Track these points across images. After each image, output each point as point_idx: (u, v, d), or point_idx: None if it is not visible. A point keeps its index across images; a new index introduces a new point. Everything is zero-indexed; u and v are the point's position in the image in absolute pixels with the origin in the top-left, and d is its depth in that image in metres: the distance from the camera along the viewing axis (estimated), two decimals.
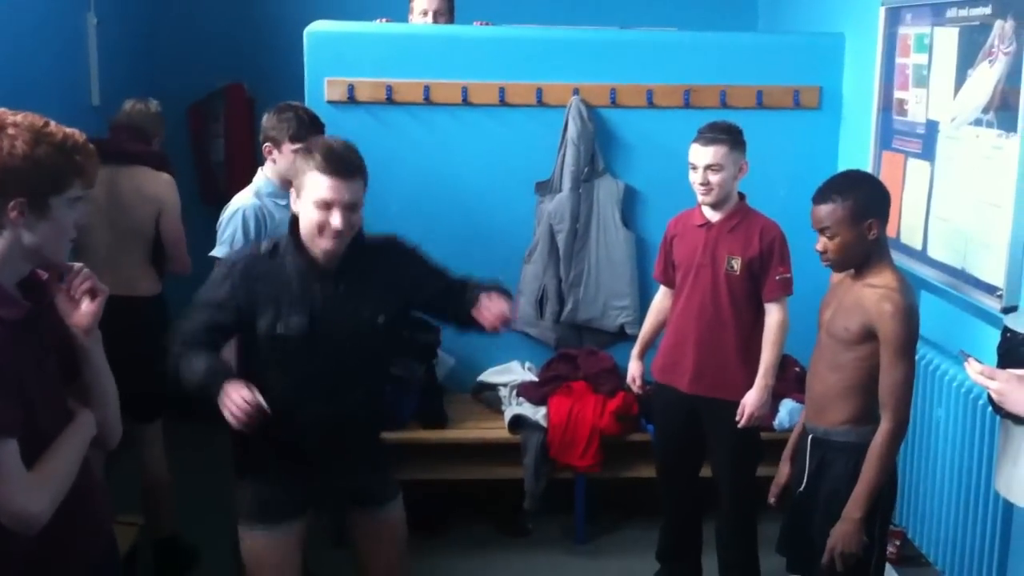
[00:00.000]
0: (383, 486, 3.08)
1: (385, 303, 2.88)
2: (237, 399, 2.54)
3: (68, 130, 2.07)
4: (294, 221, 2.80)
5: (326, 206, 2.70)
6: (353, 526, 3.08)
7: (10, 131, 1.98)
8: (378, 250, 2.95)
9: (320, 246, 2.75)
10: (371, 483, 3.04)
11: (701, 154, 3.63)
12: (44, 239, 2.02)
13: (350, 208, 2.73)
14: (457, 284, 3.05)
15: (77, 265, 2.16)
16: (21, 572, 2.06)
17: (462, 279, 3.07)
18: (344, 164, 2.72)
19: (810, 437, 3.10)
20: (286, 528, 2.91)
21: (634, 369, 4.02)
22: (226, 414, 2.56)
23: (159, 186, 4.01)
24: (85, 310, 2.14)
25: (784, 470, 3.25)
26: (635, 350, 4.06)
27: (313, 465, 2.90)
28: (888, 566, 3.91)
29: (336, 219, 2.70)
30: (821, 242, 2.95)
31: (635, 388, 4.05)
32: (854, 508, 2.90)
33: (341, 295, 2.82)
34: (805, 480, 3.10)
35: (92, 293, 2.15)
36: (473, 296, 2.97)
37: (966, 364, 2.42)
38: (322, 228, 2.72)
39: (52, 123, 2.05)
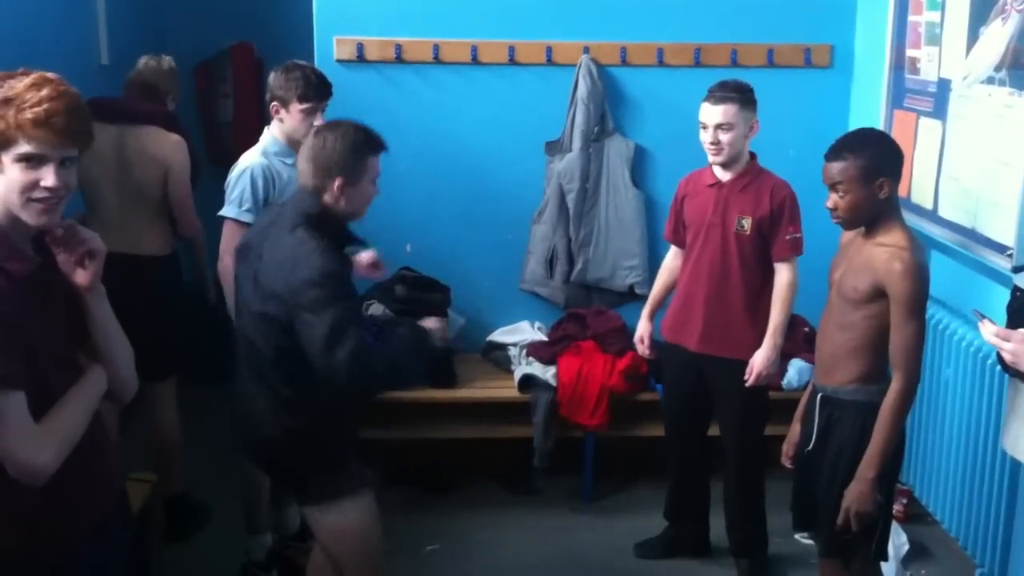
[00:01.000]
0: None
1: None
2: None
3: (38, 86, 2.00)
4: (327, 218, 2.88)
5: (376, 179, 2.99)
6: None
7: None
8: None
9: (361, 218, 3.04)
10: None
11: (711, 113, 3.61)
12: (5, 195, 2.00)
13: None
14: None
15: (66, 223, 2.13)
16: (28, 526, 2.08)
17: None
18: (383, 139, 2.99)
19: (819, 396, 3.10)
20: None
21: (643, 329, 4.02)
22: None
23: (167, 146, 3.98)
24: (85, 270, 2.14)
25: (796, 429, 3.25)
26: (645, 310, 4.05)
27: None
28: (895, 524, 3.94)
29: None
30: (832, 199, 2.94)
31: (642, 348, 4.05)
32: (868, 467, 2.90)
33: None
34: (814, 439, 3.10)
35: (90, 254, 2.15)
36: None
37: (980, 325, 2.41)
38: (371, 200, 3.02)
39: (19, 78, 2.00)
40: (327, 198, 2.84)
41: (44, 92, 2.00)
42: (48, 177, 2.01)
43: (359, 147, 2.87)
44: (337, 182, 2.82)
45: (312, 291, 2.69)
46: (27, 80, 2.00)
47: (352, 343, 2.66)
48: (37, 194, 2.01)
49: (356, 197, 2.88)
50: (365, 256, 3.31)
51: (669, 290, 3.99)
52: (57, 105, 2.00)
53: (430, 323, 3.07)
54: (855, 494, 2.91)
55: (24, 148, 1.98)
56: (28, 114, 1.96)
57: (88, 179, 3.94)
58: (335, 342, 2.65)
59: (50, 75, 2.05)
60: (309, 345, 2.70)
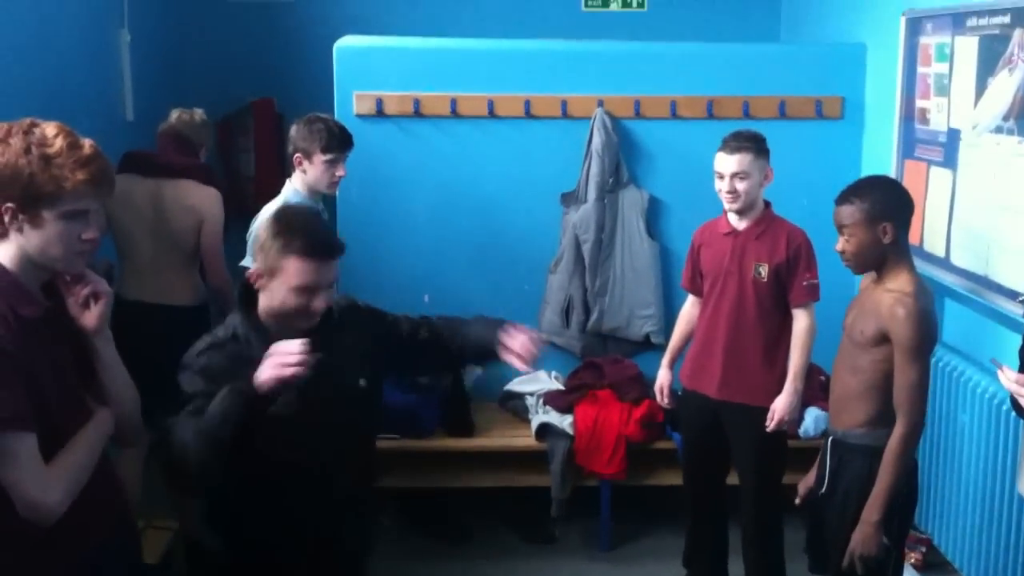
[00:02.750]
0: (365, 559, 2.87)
1: (361, 365, 2.64)
2: (285, 353, 2.26)
3: (75, 142, 2.08)
4: (249, 299, 2.54)
5: (309, 291, 2.46)
6: None
7: (11, 139, 2.04)
8: (339, 313, 2.67)
9: (296, 327, 2.48)
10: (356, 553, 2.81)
11: (727, 162, 3.67)
12: (40, 248, 2.07)
13: (330, 288, 2.55)
14: (425, 323, 2.87)
15: (89, 272, 2.21)
16: (33, 563, 2.11)
17: (425, 317, 2.90)
18: (329, 246, 2.51)
19: (830, 439, 3.15)
20: None
21: (663, 378, 4.05)
22: (272, 375, 2.24)
23: (204, 199, 4.08)
24: (91, 312, 2.21)
25: (812, 473, 3.28)
26: (665, 359, 4.09)
27: (310, 554, 2.62)
28: (914, 573, 3.93)
29: (319, 302, 2.48)
30: (840, 242, 3.02)
31: (662, 398, 4.08)
32: (871, 511, 2.93)
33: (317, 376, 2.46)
34: (826, 481, 3.13)
35: (95, 296, 2.21)
36: (484, 331, 2.82)
37: (999, 373, 2.45)
38: (302, 312, 2.48)
39: (63, 135, 2.07)
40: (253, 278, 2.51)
41: (86, 151, 2.09)
42: (89, 230, 2.11)
43: (280, 241, 2.45)
44: (254, 267, 2.52)
45: (182, 372, 2.47)
46: (54, 134, 2.07)
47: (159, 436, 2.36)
48: (79, 247, 2.10)
49: (270, 296, 2.48)
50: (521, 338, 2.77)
51: (687, 338, 4.02)
52: (101, 164, 2.12)
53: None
54: (859, 537, 2.94)
55: (72, 205, 2.06)
56: (81, 174, 2.05)
57: (123, 230, 4.04)
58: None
59: (66, 127, 2.11)
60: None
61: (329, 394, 2.49)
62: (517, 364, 2.73)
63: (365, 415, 2.70)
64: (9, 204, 2.03)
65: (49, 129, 2.08)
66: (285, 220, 2.52)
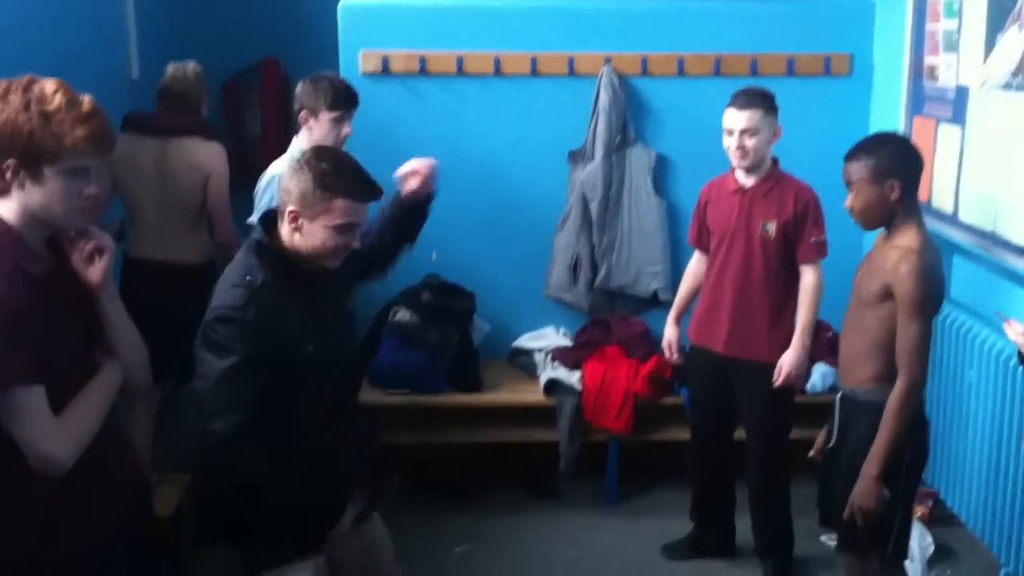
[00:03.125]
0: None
1: (351, 291, 2.91)
2: None
3: (75, 99, 2.09)
4: (269, 249, 2.61)
5: (350, 229, 2.59)
6: (345, 556, 2.87)
7: (10, 96, 2.04)
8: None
9: (327, 265, 2.63)
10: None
11: (737, 119, 3.67)
12: (43, 204, 2.07)
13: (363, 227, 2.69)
14: (374, 237, 3.13)
15: (92, 228, 2.23)
16: (44, 517, 2.14)
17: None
18: (373, 187, 2.63)
19: (839, 395, 3.17)
20: (316, 561, 2.73)
21: (670, 334, 4.07)
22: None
23: (208, 155, 4.08)
24: (95, 267, 2.22)
25: (822, 436, 3.31)
26: (671, 315, 4.11)
27: (332, 487, 2.73)
28: (921, 527, 3.97)
29: (355, 240, 2.63)
30: (848, 198, 3.02)
31: (670, 354, 4.10)
32: (870, 465, 2.96)
33: (330, 309, 2.75)
34: (834, 437, 3.16)
35: (99, 251, 2.22)
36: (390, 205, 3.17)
37: (1005, 326, 2.46)
38: (337, 250, 2.60)
39: (61, 91, 2.08)
40: (282, 225, 2.60)
41: (85, 108, 2.09)
42: (91, 186, 2.12)
43: (327, 182, 2.53)
44: (289, 209, 2.55)
45: (211, 330, 2.48)
46: (53, 90, 2.08)
47: (227, 423, 2.43)
48: (81, 203, 2.11)
49: (309, 236, 2.56)
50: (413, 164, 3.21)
51: (694, 295, 4.04)
52: (101, 121, 2.12)
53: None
54: (859, 490, 2.98)
55: (72, 162, 2.07)
56: (81, 131, 2.06)
57: (129, 191, 4.04)
58: (210, 414, 2.46)
59: (65, 84, 2.11)
60: (196, 391, 2.52)
61: (342, 323, 2.76)
62: (412, 183, 3.17)
63: (353, 336, 2.98)
64: (10, 161, 2.04)
65: (48, 86, 2.08)
66: (331, 161, 2.59)
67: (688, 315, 4.07)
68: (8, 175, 2.05)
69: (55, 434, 2.06)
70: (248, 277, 2.53)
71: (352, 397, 2.86)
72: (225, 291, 2.54)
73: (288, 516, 2.58)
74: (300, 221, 2.55)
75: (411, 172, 3.20)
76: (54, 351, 2.10)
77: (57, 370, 2.10)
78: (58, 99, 2.06)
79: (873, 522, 2.99)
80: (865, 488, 2.97)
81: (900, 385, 2.94)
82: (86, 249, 2.21)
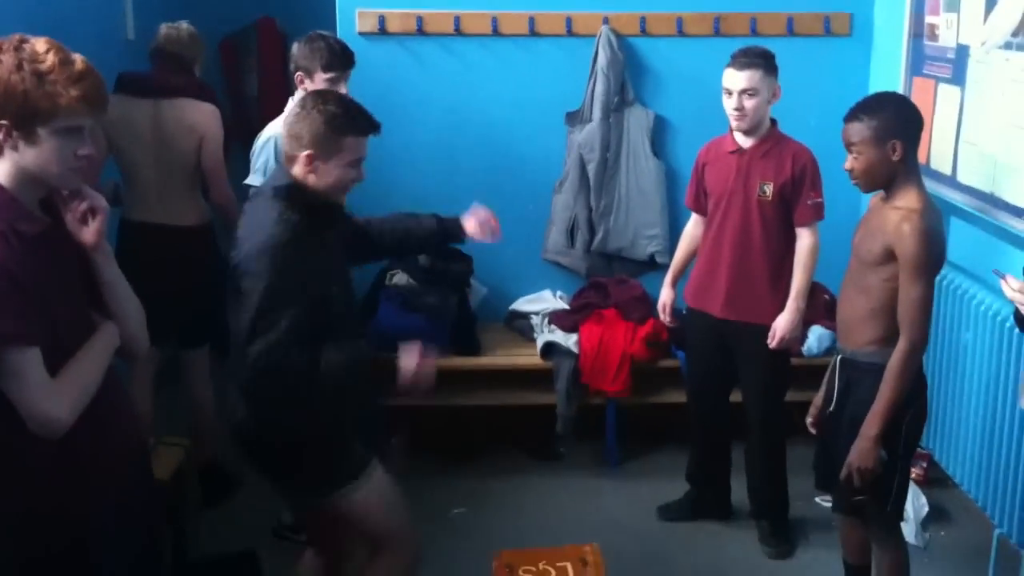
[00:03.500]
0: None
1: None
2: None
3: (68, 58, 2.07)
4: (298, 190, 2.73)
5: (358, 163, 2.79)
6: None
7: (2, 57, 2.02)
8: None
9: (341, 200, 2.90)
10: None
11: (736, 79, 3.64)
12: (37, 164, 2.06)
13: None
14: (374, 221, 3.20)
15: (85, 188, 2.22)
16: (44, 480, 2.15)
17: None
18: (374, 122, 2.81)
19: (839, 358, 3.16)
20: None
21: (665, 296, 4.07)
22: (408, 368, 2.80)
23: (201, 116, 4.05)
24: (89, 227, 2.21)
25: (821, 393, 3.31)
26: (667, 278, 4.10)
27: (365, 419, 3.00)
28: (915, 487, 3.99)
29: (363, 173, 2.83)
30: (848, 160, 2.99)
31: (664, 316, 4.10)
32: (870, 425, 2.96)
33: (340, 247, 2.91)
34: (835, 399, 3.16)
35: (92, 211, 2.22)
36: (437, 220, 3.21)
37: (1002, 283, 2.46)
38: (355, 182, 2.82)
39: (53, 51, 2.06)
40: (296, 169, 2.74)
41: (78, 67, 2.07)
42: (84, 146, 2.11)
43: (337, 123, 2.71)
44: (305, 154, 2.70)
45: (256, 261, 2.61)
46: (45, 50, 2.06)
47: (273, 337, 2.55)
48: (75, 163, 2.10)
49: (325, 175, 2.73)
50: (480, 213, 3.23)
51: (691, 257, 4.03)
52: (94, 80, 2.10)
53: (407, 360, 2.83)
54: (857, 451, 2.98)
55: (66, 121, 2.06)
56: (74, 91, 2.04)
57: (125, 153, 4.02)
58: (255, 331, 2.56)
59: (56, 43, 2.09)
60: (237, 324, 2.62)
61: (349, 269, 2.96)
62: (480, 232, 3.21)
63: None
64: (3, 122, 2.02)
65: (39, 45, 2.06)
66: (336, 103, 2.75)
67: (684, 278, 4.06)
68: (1, 136, 2.03)
69: (52, 395, 2.06)
70: (285, 216, 2.66)
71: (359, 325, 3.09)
72: (262, 229, 2.65)
73: (338, 426, 2.83)
74: (315, 163, 2.71)
75: (487, 223, 3.25)
76: (50, 312, 2.10)
77: (53, 331, 2.10)
78: (51, 58, 2.04)
79: (871, 483, 3.00)
80: (864, 448, 2.97)
81: (902, 346, 2.93)
82: (80, 209, 2.20)
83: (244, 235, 2.72)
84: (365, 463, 2.86)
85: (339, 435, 2.85)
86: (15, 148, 2.05)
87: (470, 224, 3.20)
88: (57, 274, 2.16)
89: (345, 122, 2.71)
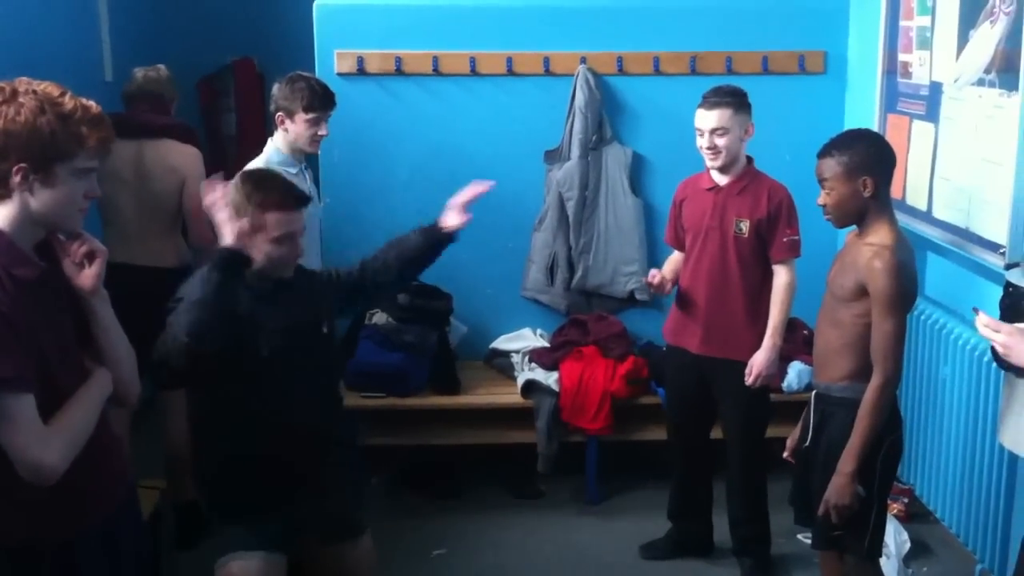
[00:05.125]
0: (356, 516, 3.09)
1: (321, 314, 3.02)
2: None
3: (84, 102, 2.11)
4: (237, 259, 2.74)
5: (289, 239, 2.83)
6: (320, 570, 3.02)
7: (20, 99, 2.03)
8: (300, 273, 3.04)
9: (279, 276, 2.89)
10: (344, 511, 3.05)
11: (706, 119, 3.67)
12: (50, 206, 2.07)
13: (301, 235, 2.89)
14: (359, 262, 3.24)
15: (84, 232, 2.22)
16: (34, 519, 2.13)
17: (351, 269, 3.23)
18: (300, 195, 2.89)
19: (814, 393, 3.17)
20: (268, 556, 2.85)
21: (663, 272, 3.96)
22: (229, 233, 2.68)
23: (184, 158, 4.06)
24: (87, 272, 2.21)
25: (799, 426, 3.31)
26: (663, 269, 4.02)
27: (284, 490, 2.89)
28: (897, 523, 3.99)
29: (296, 248, 2.87)
30: (821, 196, 3.03)
31: (657, 280, 3.88)
32: (845, 462, 2.97)
33: (289, 311, 2.89)
34: (810, 435, 3.16)
35: (90, 255, 2.21)
36: (421, 231, 3.29)
37: (976, 319, 2.47)
38: (286, 259, 2.86)
39: (68, 94, 2.09)
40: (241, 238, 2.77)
41: (94, 110, 2.12)
42: (95, 187, 2.16)
43: (256, 198, 2.79)
44: (235, 227, 2.72)
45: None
46: (59, 93, 2.08)
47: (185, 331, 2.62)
48: (83, 204, 2.14)
49: (256, 250, 2.78)
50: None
51: (676, 275, 3.98)
52: (109, 122, 2.15)
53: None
54: (833, 487, 2.98)
55: (84, 163, 2.10)
56: (96, 133, 2.09)
57: (106, 193, 3.99)
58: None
59: (62, 86, 2.12)
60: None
61: (301, 337, 2.88)
62: (459, 220, 3.26)
63: (327, 356, 3.06)
64: (22, 164, 2.02)
65: (51, 88, 2.08)
66: (256, 181, 2.83)
67: (663, 315, 4.06)
68: (17, 179, 2.03)
69: (45, 441, 2.04)
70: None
71: (318, 396, 2.97)
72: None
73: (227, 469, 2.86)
74: (248, 239, 2.74)
75: (468, 201, 3.32)
76: (45, 356, 2.08)
77: (47, 377, 2.08)
78: (69, 101, 2.07)
79: (848, 519, 3.00)
80: (840, 485, 2.97)
81: (875, 381, 2.94)
82: (79, 253, 2.20)
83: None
84: (230, 548, 2.83)
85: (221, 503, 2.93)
86: (30, 191, 2.05)
87: (450, 221, 3.27)
88: (52, 319, 2.14)
89: (264, 199, 2.78)
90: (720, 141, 3.66)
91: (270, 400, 2.81)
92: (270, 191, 2.79)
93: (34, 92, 2.05)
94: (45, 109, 2.03)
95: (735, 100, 3.67)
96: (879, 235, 2.95)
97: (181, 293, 2.71)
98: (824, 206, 3.03)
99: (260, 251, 2.77)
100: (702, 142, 3.70)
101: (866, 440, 2.94)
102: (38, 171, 2.04)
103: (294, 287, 2.95)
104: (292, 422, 2.84)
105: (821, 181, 3.02)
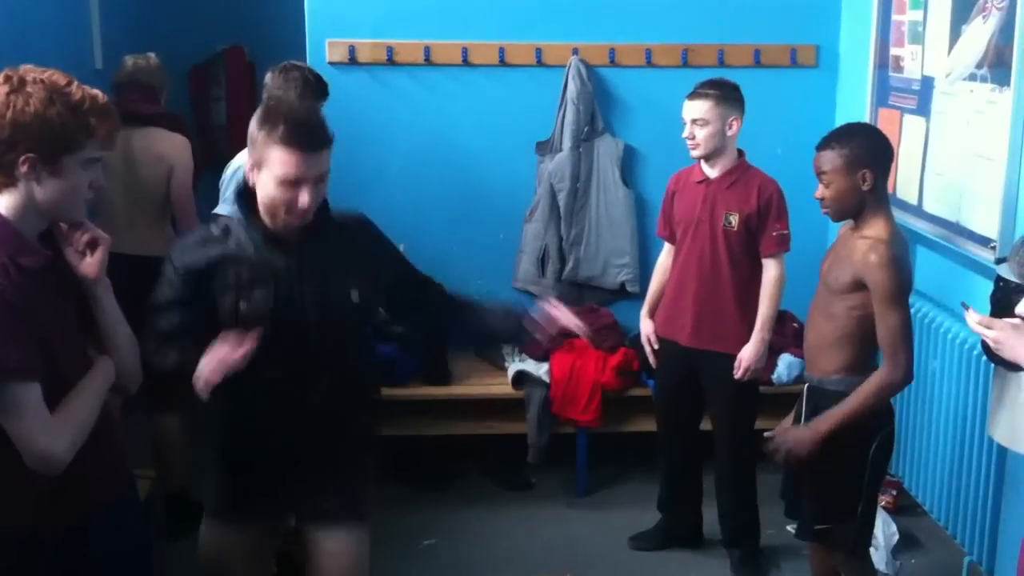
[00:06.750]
0: (353, 502, 2.74)
1: (356, 280, 2.58)
2: (227, 347, 2.31)
3: (90, 91, 2.10)
4: (247, 194, 2.51)
5: (294, 184, 2.39)
6: (310, 551, 2.74)
7: (28, 88, 2.02)
8: (345, 225, 2.67)
9: (284, 224, 2.46)
10: (341, 496, 2.71)
11: (688, 108, 3.71)
12: (56, 196, 2.07)
13: (318, 182, 2.44)
14: (429, 283, 2.87)
15: (86, 220, 2.22)
16: (39, 505, 2.13)
17: (429, 279, 2.88)
18: (312, 137, 2.42)
19: (806, 386, 3.18)
20: (252, 530, 2.68)
21: (646, 328, 4.05)
22: (210, 376, 2.30)
23: (172, 147, 4.05)
24: (90, 260, 2.21)
25: (789, 418, 3.31)
26: (644, 310, 4.09)
27: (282, 463, 2.62)
28: (885, 515, 4.00)
29: (305, 197, 2.40)
30: (819, 189, 3.02)
31: (651, 347, 4.06)
32: (823, 421, 2.97)
33: (306, 268, 2.51)
34: (801, 427, 3.17)
35: (93, 244, 2.21)
36: (502, 322, 2.89)
37: (966, 314, 2.48)
38: (290, 207, 2.42)
39: (75, 84, 2.09)
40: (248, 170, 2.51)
41: (102, 100, 2.11)
42: (100, 177, 2.16)
43: (264, 128, 2.42)
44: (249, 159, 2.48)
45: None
46: (66, 82, 2.07)
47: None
48: (87, 194, 2.14)
49: (261, 188, 2.44)
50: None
51: (664, 287, 4.03)
52: (115, 113, 2.15)
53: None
54: (796, 435, 3.00)
55: (92, 152, 2.10)
56: (105, 122, 2.09)
57: None
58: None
59: (68, 75, 2.11)
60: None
61: (309, 296, 2.50)
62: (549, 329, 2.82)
63: (348, 327, 2.62)
64: (30, 154, 2.02)
65: (58, 77, 2.07)
66: (269, 108, 2.47)
67: None
68: (24, 168, 2.02)
69: (52, 430, 2.04)
70: (215, 227, 2.55)
71: (320, 363, 2.57)
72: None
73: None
74: (255, 172, 2.45)
75: (562, 323, 2.81)
76: (50, 345, 2.09)
77: (53, 365, 2.08)
78: (77, 91, 2.07)
79: (837, 510, 3.01)
80: (803, 437, 2.98)
81: (885, 370, 2.94)
82: (82, 241, 2.20)
83: None
84: (223, 506, 2.68)
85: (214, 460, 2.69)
86: (37, 180, 2.05)
87: (540, 330, 2.83)
88: (56, 308, 2.15)
89: (271, 130, 2.39)
90: (699, 132, 3.68)
91: (273, 373, 2.47)
92: (279, 121, 2.38)
93: (42, 81, 2.04)
94: (54, 100, 2.02)
95: (717, 92, 3.68)
96: (875, 229, 2.96)
97: (155, 299, 2.53)
98: (822, 199, 3.02)
99: (265, 190, 2.41)
100: (685, 132, 3.73)
101: (851, 414, 2.94)
102: (46, 162, 2.03)
103: (320, 240, 2.54)
104: (292, 399, 2.54)
105: (819, 174, 3.01)
